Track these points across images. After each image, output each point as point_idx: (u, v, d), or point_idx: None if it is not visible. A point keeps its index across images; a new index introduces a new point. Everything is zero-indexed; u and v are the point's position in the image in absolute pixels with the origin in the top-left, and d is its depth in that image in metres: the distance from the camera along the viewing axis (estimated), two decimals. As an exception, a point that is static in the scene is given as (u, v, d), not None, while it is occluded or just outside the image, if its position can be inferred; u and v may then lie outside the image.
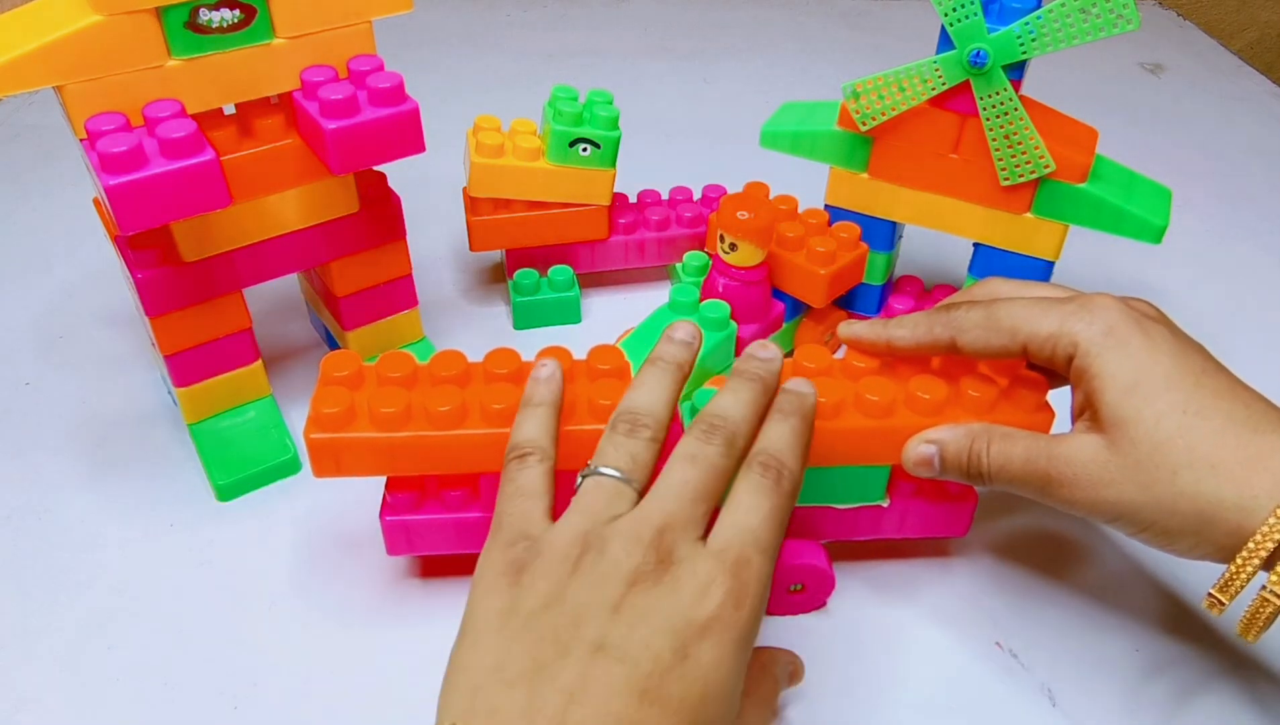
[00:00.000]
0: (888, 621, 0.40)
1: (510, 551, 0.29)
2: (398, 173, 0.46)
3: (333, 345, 0.52)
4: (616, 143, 0.52)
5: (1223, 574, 0.31)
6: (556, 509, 0.30)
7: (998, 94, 0.44)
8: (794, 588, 0.39)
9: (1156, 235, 0.45)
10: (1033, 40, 0.42)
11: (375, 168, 0.42)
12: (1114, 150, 0.47)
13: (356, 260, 0.47)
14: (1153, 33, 0.95)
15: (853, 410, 0.36)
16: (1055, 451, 0.33)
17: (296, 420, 0.47)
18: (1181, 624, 0.40)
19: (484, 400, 0.35)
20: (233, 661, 0.38)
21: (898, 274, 0.55)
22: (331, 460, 0.36)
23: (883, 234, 0.50)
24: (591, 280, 0.58)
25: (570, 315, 0.56)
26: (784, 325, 0.51)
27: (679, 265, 0.55)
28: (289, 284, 0.55)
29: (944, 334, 0.36)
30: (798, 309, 0.52)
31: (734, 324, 0.46)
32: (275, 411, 0.47)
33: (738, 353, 0.47)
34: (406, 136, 0.40)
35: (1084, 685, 0.38)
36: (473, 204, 0.54)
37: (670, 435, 0.32)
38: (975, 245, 0.49)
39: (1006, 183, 0.46)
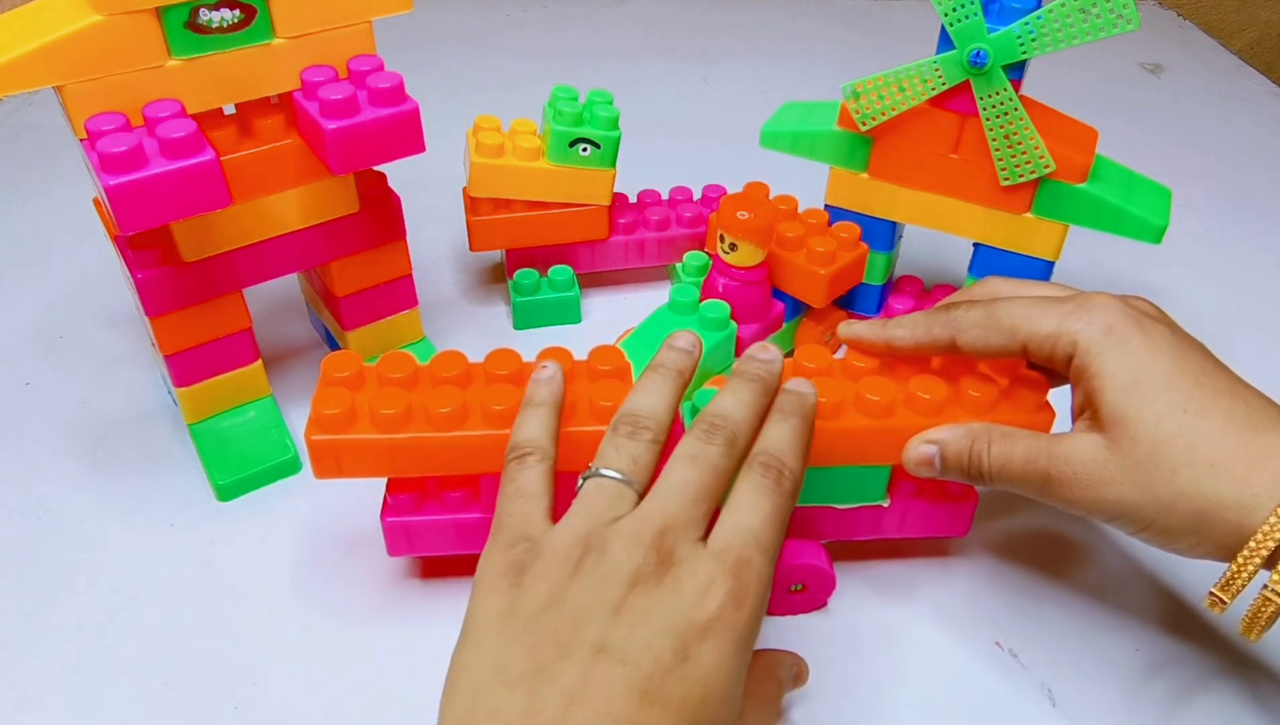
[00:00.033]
0: (888, 621, 0.40)
1: (511, 553, 0.29)
2: (398, 173, 0.46)
3: (333, 345, 0.52)
4: (616, 143, 0.52)
5: (1224, 573, 0.31)
6: (558, 510, 0.30)
7: (998, 94, 0.44)
8: (795, 588, 0.39)
9: (1156, 235, 0.45)
10: (1033, 40, 0.42)
11: (375, 168, 0.42)
12: (1114, 150, 0.47)
13: (356, 260, 0.47)
14: (1153, 33, 0.95)
15: (853, 410, 0.36)
16: (1055, 451, 0.33)
17: (297, 420, 0.47)
18: (1181, 623, 0.40)
19: (485, 401, 0.35)
20: (233, 661, 0.38)
21: (898, 274, 0.55)
22: (332, 462, 0.36)
23: (883, 234, 0.50)
24: (591, 280, 0.58)
25: (570, 315, 0.56)
26: (784, 325, 0.51)
27: (679, 265, 0.55)
28: (289, 284, 0.55)
29: (943, 334, 0.36)
30: (798, 309, 0.52)
31: (734, 324, 0.46)
32: (275, 411, 0.47)
33: (738, 353, 0.47)
34: (406, 136, 0.40)
35: (1084, 685, 0.38)
36: (473, 204, 0.54)
37: (671, 437, 0.32)
38: (975, 245, 0.49)
39: (1006, 183, 0.46)
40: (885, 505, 0.40)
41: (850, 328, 0.39)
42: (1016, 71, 0.44)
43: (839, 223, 0.50)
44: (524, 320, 0.55)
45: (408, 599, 0.41)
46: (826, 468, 0.37)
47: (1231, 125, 0.79)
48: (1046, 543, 0.44)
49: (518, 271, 0.55)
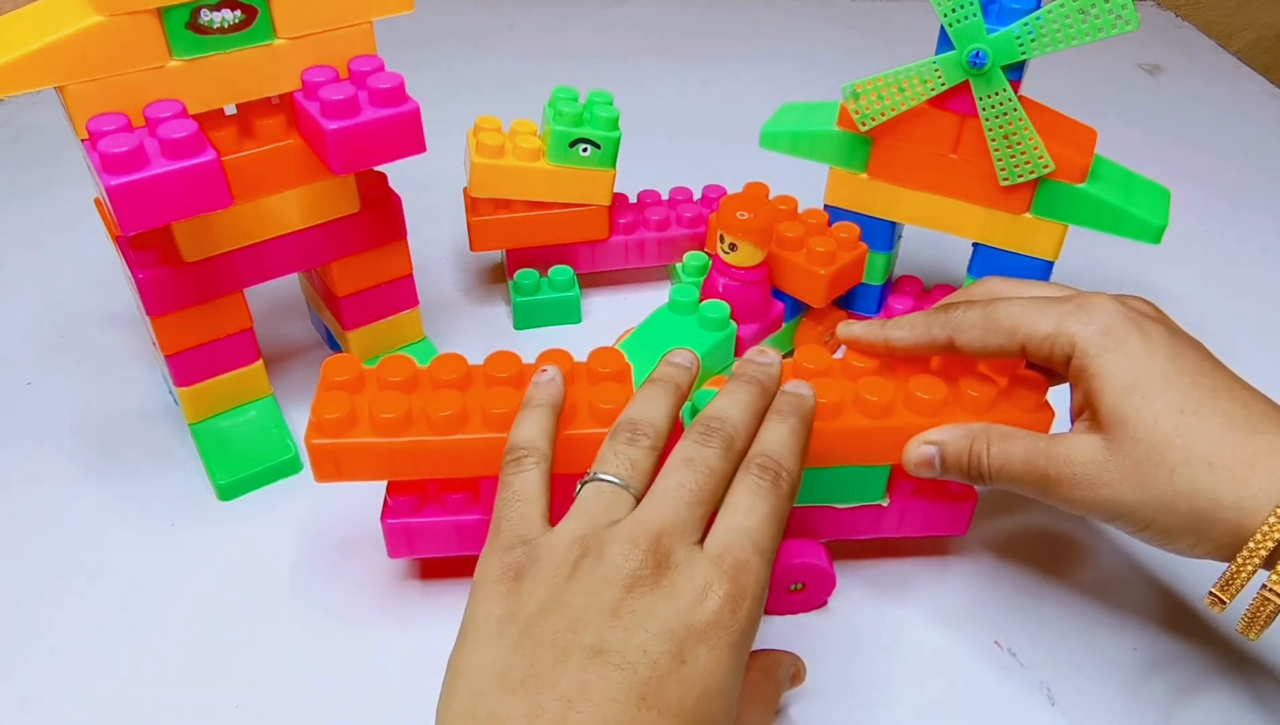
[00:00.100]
0: (887, 621, 0.40)
1: (508, 556, 0.29)
2: (398, 173, 0.46)
3: (333, 345, 0.52)
4: (616, 143, 0.52)
5: (1223, 573, 0.32)
6: (556, 513, 0.30)
7: (997, 94, 0.44)
8: (795, 587, 0.39)
9: (1155, 235, 0.45)
10: (1032, 41, 0.42)
11: (376, 168, 0.42)
12: (1113, 150, 0.47)
13: (357, 260, 0.47)
14: (1151, 33, 0.95)
15: (852, 410, 0.36)
16: (1054, 451, 0.34)
17: (297, 420, 0.48)
18: (1180, 622, 0.40)
19: (485, 404, 0.35)
20: (233, 661, 0.38)
21: (897, 274, 0.55)
22: (333, 465, 0.36)
23: (882, 234, 0.51)
24: (591, 280, 0.58)
25: (570, 315, 0.56)
26: (784, 325, 0.51)
27: (679, 265, 0.55)
28: (289, 284, 0.55)
29: (942, 334, 0.36)
30: (797, 309, 0.52)
31: (734, 324, 0.46)
32: (276, 411, 0.47)
33: (738, 353, 0.47)
34: (407, 137, 0.40)
35: (1083, 684, 0.38)
36: (473, 204, 0.54)
37: (671, 441, 0.32)
38: (974, 245, 0.49)
39: (1006, 183, 0.46)
40: (884, 505, 0.40)
41: (849, 328, 0.39)
42: (1016, 72, 0.44)
43: (839, 223, 0.50)
44: (524, 320, 0.55)
45: (407, 600, 0.41)
46: (826, 468, 0.37)
47: (1230, 125, 0.79)
48: (1046, 542, 0.44)
49: (518, 271, 0.55)
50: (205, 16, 0.37)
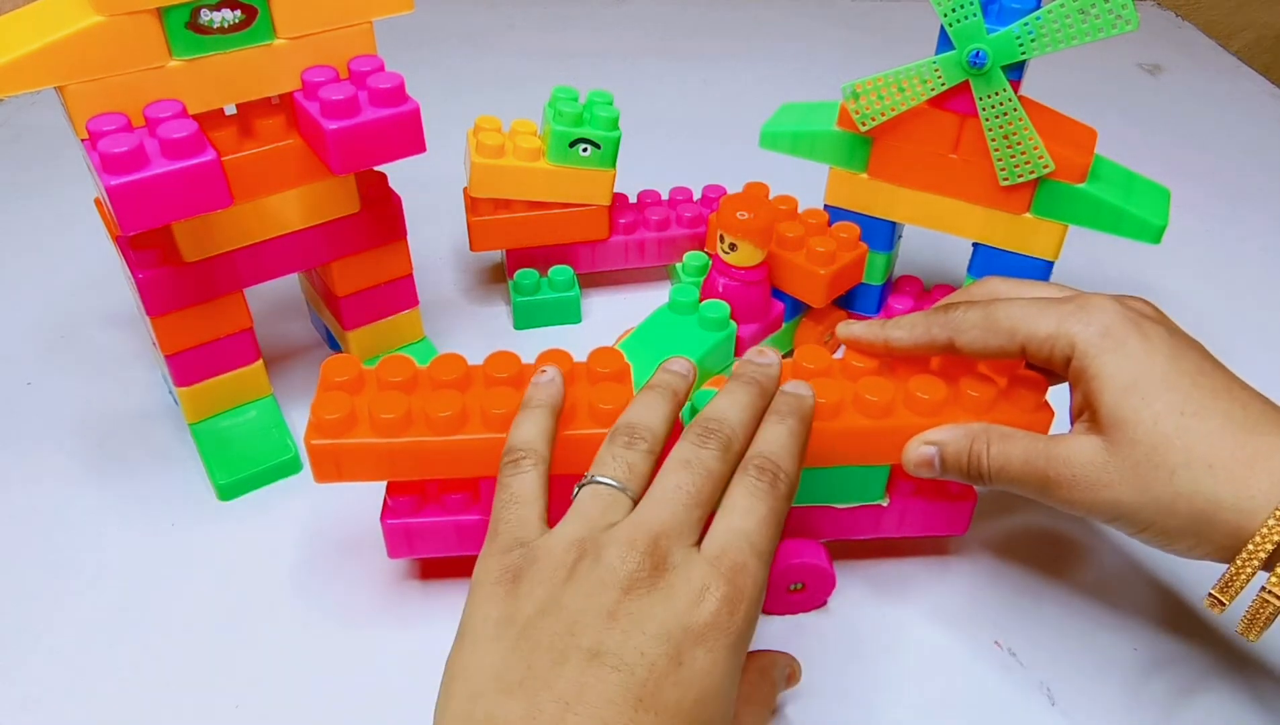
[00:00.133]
0: (887, 621, 0.40)
1: (506, 558, 0.29)
2: (398, 173, 0.46)
3: (333, 345, 0.52)
4: (616, 143, 0.52)
5: (1223, 575, 0.32)
6: (555, 515, 0.30)
7: (997, 94, 0.44)
8: (794, 587, 0.39)
9: (1155, 235, 0.45)
10: (1032, 41, 0.42)
11: (376, 168, 0.42)
12: (1113, 150, 0.47)
13: (357, 260, 0.47)
14: (1151, 33, 0.95)
15: (852, 410, 0.36)
16: (1054, 452, 0.33)
17: (297, 420, 0.48)
18: (1180, 623, 0.40)
19: (484, 405, 0.35)
20: (233, 661, 0.38)
21: (897, 274, 0.55)
22: (333, 466, 0.36)
23: (882, 234, 0.51)
24: (591, 280, 0.58)
25: (570, 315, 0.56)
26: (784, 325, 0.51)
27: (679, 265, 0.55)
28: (289, 284, 0.55)
29: (942, 334, 0.36)
30: (797, 309, 0.52)
31: (734, 324, 0.46)
32: (276, 411, 0.47)
33: (738, 353, 0.47)
34: (407, 137, 0.40)
35: (1083, 684, 0.38)
36: (473, 204, 0.54)
37: (670, 443, 0.32)
38: (975, 245, 0.49)
39: (1006, 183, 0.46)
40: (884, 505, 0.40)
41: (849, 328, 0.39)
42: (1016, 72, 0.44)
43: (839, 223, 0.50)
44: (524, 320, 0.55)
45: (407, 600, 0.41)
46: (826, 468, 0.37)
47: (1230, 125, 0.79)
48: (1046, 542, 0.44)
49: (518, 271, 0.55)
50: (205, 16, 0.37)
